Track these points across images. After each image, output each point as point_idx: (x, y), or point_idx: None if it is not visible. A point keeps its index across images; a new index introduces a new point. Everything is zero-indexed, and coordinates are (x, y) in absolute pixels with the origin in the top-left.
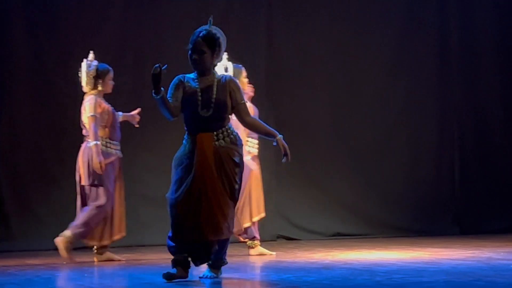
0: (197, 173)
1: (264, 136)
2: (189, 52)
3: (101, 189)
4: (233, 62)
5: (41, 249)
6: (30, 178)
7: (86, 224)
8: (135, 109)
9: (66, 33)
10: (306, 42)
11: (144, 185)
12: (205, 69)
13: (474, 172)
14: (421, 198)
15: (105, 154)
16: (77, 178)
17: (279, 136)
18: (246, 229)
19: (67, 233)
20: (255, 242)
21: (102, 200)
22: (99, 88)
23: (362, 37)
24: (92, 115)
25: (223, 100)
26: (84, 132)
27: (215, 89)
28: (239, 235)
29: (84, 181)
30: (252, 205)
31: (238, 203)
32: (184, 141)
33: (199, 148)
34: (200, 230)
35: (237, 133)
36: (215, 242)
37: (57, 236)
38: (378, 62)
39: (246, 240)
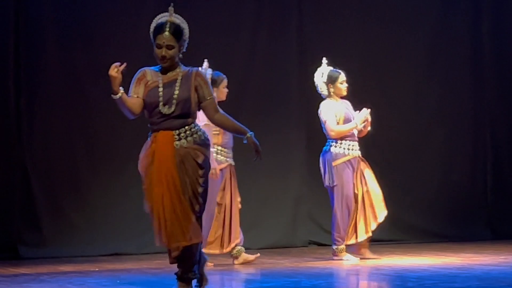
0: (156, 176)
1: (234, 134)
2: (156, 47)
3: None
4: (262, 67)
5: (74, 256)
6: (62, 184)
7: None
8: None
9: (98, 43)
10: (337, 46)
11: None
12: (172, 64)
13: (507, 176)
14: (454, 202)
15: (216, 162)
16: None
17: (250, 133)
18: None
19: None
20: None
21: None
22: (214, 95)
23: (395, 39)
24: (205, 124)
25: (187, 96)
26: None
27: (178, 84)
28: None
29: None
30: None
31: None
32: (148, 139)
33: (157, 148)
34: (162, 237)
35: (204, 132)
36: (180, 249)
37: (92, 242)
38: (411, 65)
39: None
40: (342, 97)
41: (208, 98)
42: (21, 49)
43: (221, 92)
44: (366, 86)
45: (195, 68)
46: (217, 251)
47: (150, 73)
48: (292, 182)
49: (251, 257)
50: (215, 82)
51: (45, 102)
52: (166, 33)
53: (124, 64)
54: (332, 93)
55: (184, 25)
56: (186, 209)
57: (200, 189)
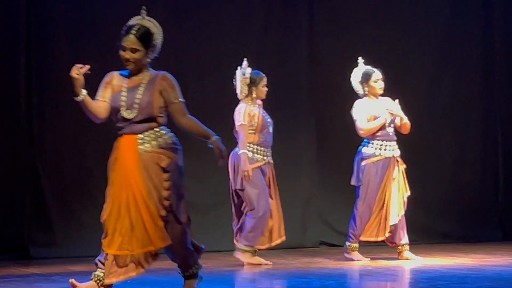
0: (120, 181)
1: (200, 137)
2: (120, 49)
3: (251, 194)
4: (273, 70)
5: (84, 256)
6: (73, 184)
7: (251, 230)
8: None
9: (110, 44)
10: (348, 47)
11: (186, 190)
12: (137, 68)
13: None
14: (465, 203)
15: (251, 160)
16: (230, 182)
17: (215, 138)
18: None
19: (241, 246)
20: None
21: (252, 206)
22: (253, 95)
23: (405, 41)
24: (241, 124)
25: (149, 100)
26: (235, 135)
27: (142, 88)
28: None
29: (234, 185)
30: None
31: None
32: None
33: (121, 153)
34: (125, 243)
35: (172, 136)
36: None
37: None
38: (421, 67)
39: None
40: (381, 95)
41: (175, 101)
42: (32, 50)
43: (260, 91)
44: None
45: (162, 72)
46: (266, 246)
47: (117, 77)
48: (303, 182)
49: (263, 261)
50: (254, 81)
51: (56, 103)
52: (131, 36)
53: (87, 67)
54: (367, 92)
55: (155, 30)
56: (153, 214)
57: (165, 193)
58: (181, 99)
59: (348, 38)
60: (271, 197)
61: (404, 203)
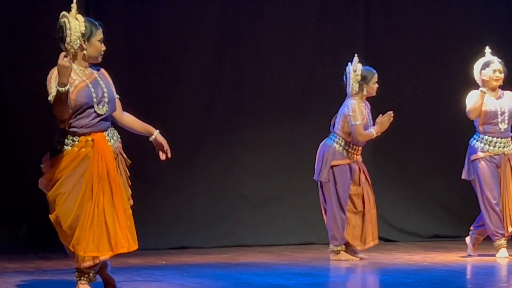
0: (96, 180)
1: (142, 133)
2: (99, 42)
3: (331, 190)
4: (331, 61)
5: (141, 249)
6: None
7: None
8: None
9: (161, 41)
10: (404, 39)
11: (243, 185)
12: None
13: None
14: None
15: (341, 156)
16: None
17: (157, 131)
18: None
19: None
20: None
21: (328, 203)
22: (364, 92)
23: (460, 31)
24: (357, 124)
25: (113, 95)
26: (330, 128)
27: (102, 83)
28: None
29: (318, 177)
30: None
31: None
32: (64, 142)
33: (98, 152)
34: (103, 244)
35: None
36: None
37: (159, 236)
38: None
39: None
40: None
41: (117, 97)
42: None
43: (371, 88)
44: (429, 80)
45: (98, 67)
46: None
47: (73, 71)
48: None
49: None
50: (365, 78)
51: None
52: (100, 28)
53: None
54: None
55: (62, 22)
56: (130, 211)
57: (130, 191)
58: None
59: (404, 30)
60: (357, 196)
61: None
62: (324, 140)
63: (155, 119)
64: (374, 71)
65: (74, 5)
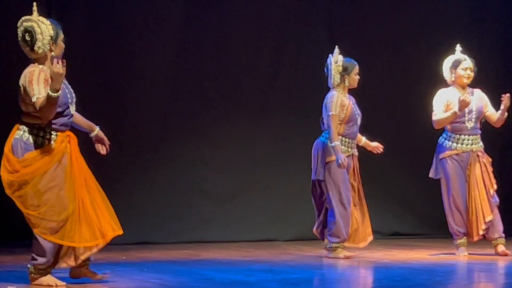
0: (76, 173)
1: (84, 129)
2: (63, 43)
3: (330, 187)
4: (295, 56)
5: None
6: None
7: (335, 224)
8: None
9: (124, 35)
10: (367, 43)
11: (204, 180)
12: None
13: None
14: None
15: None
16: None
17: (97, 128)
18: None
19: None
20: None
21: (330, 200)
22: (346, 83)
23: (422, 38)
24: (332, 114)
25: (74, 94)
26: (321, 127)
27: (66, 81)
28: None
29: (315, 175)
30: None
31: None
32: (40, 140)
33: (73, 149)
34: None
35: None
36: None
37: None
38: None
39: None
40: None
41: None
42: None
43: (353, 79)
44: (389, 80)
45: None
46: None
47: (46, 71)
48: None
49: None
50: (346, 69)
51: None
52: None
53: (63, 61)
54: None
55: (31, 28)
56: (107, 200)
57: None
58: None
59: (367, 35)
60: (353, 190)
61: None
62: (317, 138)
63: (117, 114)
64: (355, 63)
65: (35, 8)
